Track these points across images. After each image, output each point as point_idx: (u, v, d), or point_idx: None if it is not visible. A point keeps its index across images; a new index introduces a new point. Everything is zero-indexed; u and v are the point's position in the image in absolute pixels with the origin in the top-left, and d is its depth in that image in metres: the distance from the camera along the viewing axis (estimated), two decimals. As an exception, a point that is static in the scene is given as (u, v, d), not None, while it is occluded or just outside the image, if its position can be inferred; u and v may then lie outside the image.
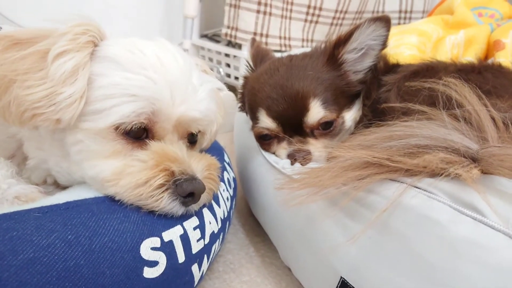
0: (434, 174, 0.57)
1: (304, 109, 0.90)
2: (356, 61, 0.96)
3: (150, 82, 0.65)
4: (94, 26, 0.67)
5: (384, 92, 0.90)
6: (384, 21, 0.89)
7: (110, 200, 0.65)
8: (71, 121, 0.63)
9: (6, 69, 0.60)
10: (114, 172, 0.65)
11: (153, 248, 0.63)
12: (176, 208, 0.67)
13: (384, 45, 0.94)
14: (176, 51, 0.73)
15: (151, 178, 0.64)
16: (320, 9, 2.05)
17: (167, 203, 0.65)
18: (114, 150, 0.66)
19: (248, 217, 1.19)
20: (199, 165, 0.71)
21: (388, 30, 0.91)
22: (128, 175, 0.64)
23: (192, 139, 0.79)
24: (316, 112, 0.90)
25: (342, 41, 0.93)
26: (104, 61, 0.66)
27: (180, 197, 0.66)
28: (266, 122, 0.94)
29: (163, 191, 0.64)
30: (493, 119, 0.63)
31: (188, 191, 0.66)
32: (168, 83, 0.67)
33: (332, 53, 0.94)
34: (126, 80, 0.64)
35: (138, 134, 0.68)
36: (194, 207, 0.71)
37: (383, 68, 0.98)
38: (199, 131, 0.79)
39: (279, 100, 0.91)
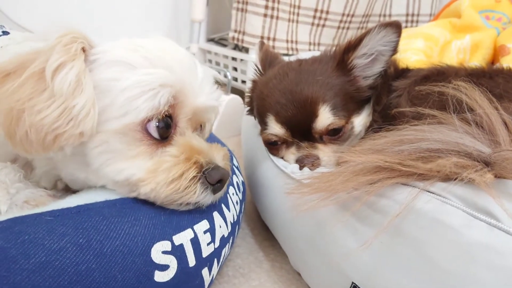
0: (447, 178, 0.56)
1: (313, 115, 0.89)
2: (366, 67, 0.95)
3: (167, 72, 0.65)
4: (79, 33, 0.65)
5: (395, 97, 0.90)
6: (395, 27, 0.89)
7: (121, 204, 0.65)
8: (92, 131, 0.62)
9: (9, 102, 0.58)
10: (148, 171, 0.65)
11: (164, 252, 0.63)
12: (207, 197, 0.70)
13: (394, 51, 0.93)
14: (172, 41, 0.74)
15: (185, 171, 0.66)
16: (327, 12, 2.05)
17: (199, 193, 0.68)
18: (140, 151, 0.66)
19: (257, 221, 1.18)
20: (219, 155, 0.73)
21: (398, 36, 0.90)
22: (163, 171, 0.65)
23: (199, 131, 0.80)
24: (325, 118, 0.89)
25: (352, 46, 0.92)
26: (112, 66, 0.65)
27: (210, 186, 0.69)
28: (275, 128, 0.94)
29: (196, 182, 0.67)
30: (504, 122, 0.62)
31: (217, 179, 0.69)
32: (182, 69, 0.68)
33: (342, 58, 0.94)
34: (145, 76, 0.64)
35: (166, 133, 0.68)
36: (219, 195, 0.74)
37: (393, 73, 0.97)
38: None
39: (288, 106, 0.91)
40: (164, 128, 0.67)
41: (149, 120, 0.65)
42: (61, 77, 0.59)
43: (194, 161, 0.67)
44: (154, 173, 0.65)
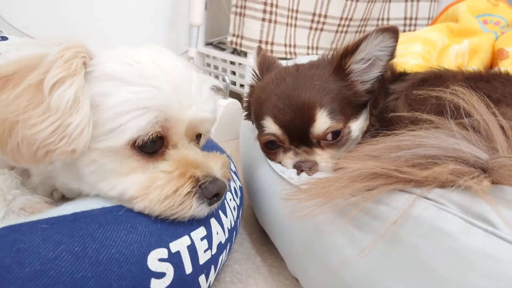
0: (444, 185, 0.56)
1: (310, 120, 0.89)
2: (363, 71, 0.95)
3: (156, 91, 0.65)
4: (82, 46, 0.65)
5: (392, 100, 0.89)
6: (392, 32, 0.89)
7: (117, 211, 0.65)
8: (84, 148, 0.62)
9: (4, 112, 0.57)
10: (140, 188, 0.65)
11: (161, 259, 0.63)
12: (203, 210, 0.69)
13: (391, 55, 0.93)
14: (170, 54, 0.73)
15: (179, 188, 0.65)
16: (325, 16, 2.06)
17: (195, 207, 0.67)
18: (131, 167, 0.66)
19: (255, 226, 1.18)
20: (216, 165, 0.73)
21: (396, 41, 0.90)
22: (156, 188, 0.65)
23: (197, 140, 0.80)
24: (322, 122, 0.89)
25: (350, 51, 0.92)
26: (105, 80, 0.65)
27: (206, 199, 0.68)
28: (273, 128, 0.94)
29: (191, 197, 0.66)
30: (502, 128, 0.62)
31: (214, 193, 0.69)
32: (173, 87, 0.67)
33: (339, 63, 0.94)
34: (133, 94, 0.63)
35: (154, 148, 0.68)
36: (215, 206, 0.73)
37: (390, 77, 0.97)
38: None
39: (286, 110, 0.91)
40: (152, 146, 0.67)
41: (135, 141, 0.64)
42: (59, 93, 0.59)
43: (189, 176, 0.66)
44: (147, 190, 0.65)
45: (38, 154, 0.59)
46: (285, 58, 1.99)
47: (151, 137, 0.65)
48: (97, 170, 0.65)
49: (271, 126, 0.94)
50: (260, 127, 0.99)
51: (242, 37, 1.97)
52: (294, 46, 2.07)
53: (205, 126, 0.77)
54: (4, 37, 1.08)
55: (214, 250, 0.75)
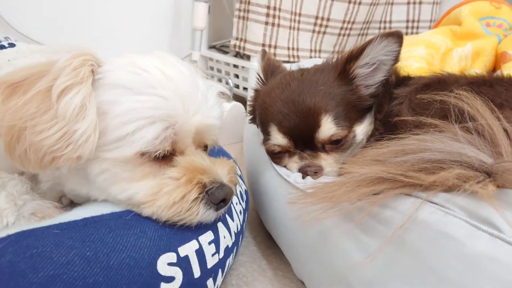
0: (449, 189, 0.57)
1: (315, 125, 0.90)
2: (368, 76, 0.96)
3: (162, 100, 0.65)
4: (90, 54, 0.66)
5: (396, 105, 0.90)
6: (396, 37, 0.89)
7: (127, 216, 0.66)
8: (90, 155, 0.63)
9: (12, 118, 0.59)
10: (149, 194, 0.66)
11: (170, 264, 0.64)
12: (210, 215, 0.70)
13: (396, 60, 0.94)
14: (177, 61, 0.74)
15: (186, 194, 0.66)
16: (328, 19, 2.06)
17: (202, 213, 0.68)
18: (144, 174, 0.67)
19: (260, 229, 1.19)
20: (223, 171, 0.74)
21: (400, 45, 0.91)
22: (164, 194, 0.66)
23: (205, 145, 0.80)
24: (327, 128, 0.90)
25: (354, 56, 0.93)
26: (112, 88, 0.66)
27: (213, 205, 0.69)
28: (278, 138, 0.94)
29: (198, 203, 0.67)
30: (506, 132, 0.62)
31: (220, 198, 0.69)
32: (178, 96, 0.67)
33: (344, 67, 0.94)
34: (139, 104, 0.64)
35: (164, 155, 0.68)
36: (222, 211, 0.74)
37: (395, 81, 0.98)
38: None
39: (291, 116, 0.91)
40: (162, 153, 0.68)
41: (144, 153, 0.65)
42: (66, 101, 0.60)
43: (196, 182, 0.68)
44: (155, 196, 0.66)
45: (45, 160, 0.61)
46: (288, 62, 1.99)
47: (159, 154, 0.66)
48: (110, 178, 0.67)
49: (276, 136, 0.95)
50: (265, 132, 1.00)
51: (245, 41, 1.97)
52: (297, 49, 2.08)
53: (211, 132, 0.78)
54: (11, 43, 1.08)
55: (222, 254, 0.76)
